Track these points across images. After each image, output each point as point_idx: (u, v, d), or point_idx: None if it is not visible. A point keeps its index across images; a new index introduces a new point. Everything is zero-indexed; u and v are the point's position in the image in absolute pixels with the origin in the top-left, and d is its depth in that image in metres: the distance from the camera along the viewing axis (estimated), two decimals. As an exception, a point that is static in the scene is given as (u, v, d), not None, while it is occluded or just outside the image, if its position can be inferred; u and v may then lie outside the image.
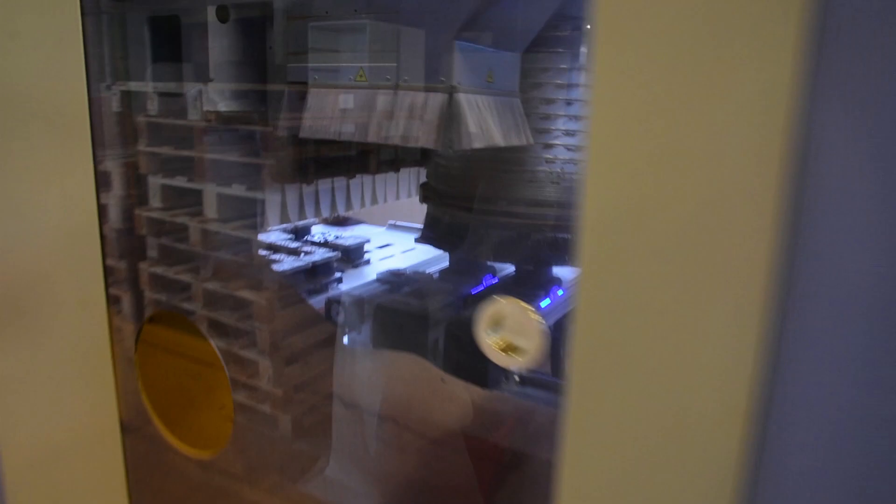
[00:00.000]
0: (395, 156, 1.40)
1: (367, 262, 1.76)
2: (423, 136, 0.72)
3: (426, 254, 2.10)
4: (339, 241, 1.63)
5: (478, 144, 0.75)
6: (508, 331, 0.65)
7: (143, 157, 1.15)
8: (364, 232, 2.32)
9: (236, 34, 0.99)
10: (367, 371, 0.98)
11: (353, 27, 0.82)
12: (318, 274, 1.25)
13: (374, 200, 1.64)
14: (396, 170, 1.44)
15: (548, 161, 0.97)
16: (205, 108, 1.03)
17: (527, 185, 0.99)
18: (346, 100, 0.77)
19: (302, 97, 0.89)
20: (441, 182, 1.12)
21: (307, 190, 1.26)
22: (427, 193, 1.16)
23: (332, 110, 0.78)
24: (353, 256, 1.60)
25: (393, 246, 2.16)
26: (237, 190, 1.08)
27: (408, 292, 1.13)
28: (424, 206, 1.26)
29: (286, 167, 1.05)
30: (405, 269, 1.25)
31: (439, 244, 1.16)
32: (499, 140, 0.79)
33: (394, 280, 1.18)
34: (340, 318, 1.09)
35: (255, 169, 1.09)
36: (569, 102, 0.95)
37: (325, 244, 1.64)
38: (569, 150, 0.98)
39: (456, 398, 0.88)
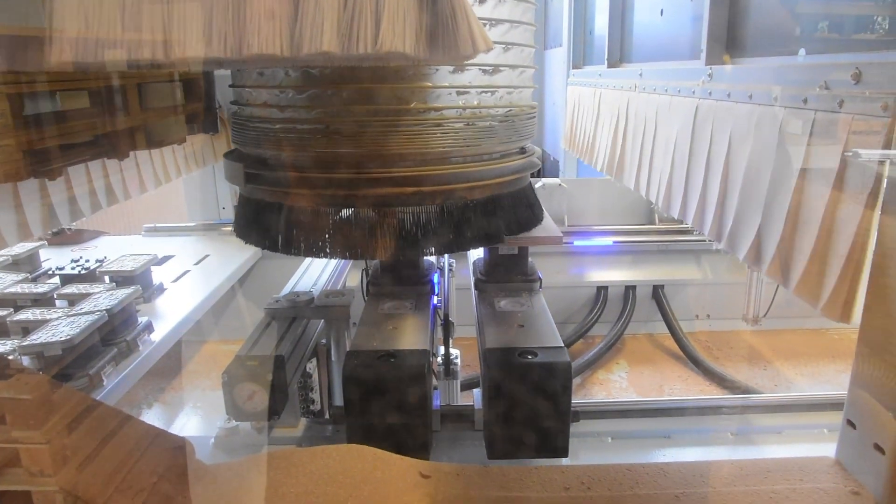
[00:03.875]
0: (161, 123, 0.98)
1: (161, 288, 1.26)
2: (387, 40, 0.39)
3: (234, 260, 1.63)
4: (114, 267, 1.11)
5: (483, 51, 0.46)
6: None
7: None
8: (117, 246, 1.74)
9: None
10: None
11: None
12: (115, 329, 0.79)
13: (113, 198, 1.09)
14: (159, 143, 1.03)
15: (459, 92, 0.67)
16: None
17: (428, 131, 0.68)
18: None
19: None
20: (263, 145, 0.75)
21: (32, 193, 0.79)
22: (249, 168, 0.77)
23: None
24: (144, 286, 1.10)
25: (175, 258, 1.64)
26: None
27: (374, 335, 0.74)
28: (165, 197, 0.88)
29: (13, 156, 0.58)
30: (306, 290, 0.85)
31: (281, 244, 0.77)
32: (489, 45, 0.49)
33: (303, 312, 0.77)
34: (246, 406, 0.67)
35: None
36: (481, 0, 0.66)
37: (89, 275, 1.10)
38: (485, 72, 0.69)
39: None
